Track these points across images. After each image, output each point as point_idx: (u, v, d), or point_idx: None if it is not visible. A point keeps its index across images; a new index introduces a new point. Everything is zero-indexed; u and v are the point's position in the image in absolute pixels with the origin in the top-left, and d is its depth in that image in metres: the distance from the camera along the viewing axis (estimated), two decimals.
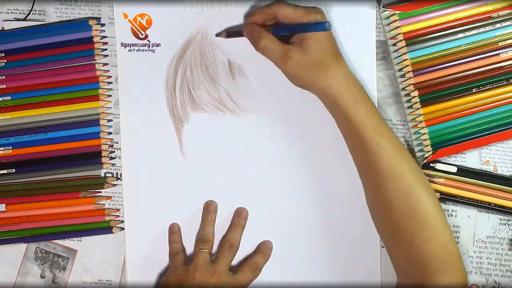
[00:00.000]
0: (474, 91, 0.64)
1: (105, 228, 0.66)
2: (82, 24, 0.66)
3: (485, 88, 0.64)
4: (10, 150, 0.66)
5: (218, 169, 0.66)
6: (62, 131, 0.66)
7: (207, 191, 0.67)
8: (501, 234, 0.66)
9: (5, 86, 0.66)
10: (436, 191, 0.65)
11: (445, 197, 0.65)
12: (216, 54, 0.66)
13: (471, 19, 0.64)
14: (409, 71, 0.65)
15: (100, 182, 0.66)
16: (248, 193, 0.66)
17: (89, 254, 0.67)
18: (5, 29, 0.66)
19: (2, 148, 0.66)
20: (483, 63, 0.64)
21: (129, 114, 0.66)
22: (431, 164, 0.65)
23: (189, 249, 0.66)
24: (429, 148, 0.65)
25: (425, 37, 0.65)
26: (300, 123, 0.66)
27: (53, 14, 0.67)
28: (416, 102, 0.65)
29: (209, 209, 0.66)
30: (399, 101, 0.66)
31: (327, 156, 0.66)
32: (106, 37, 0.67)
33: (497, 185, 0.65)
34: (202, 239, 0.65)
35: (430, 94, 0.65)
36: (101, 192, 0.67)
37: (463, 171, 0.65)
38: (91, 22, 0.66)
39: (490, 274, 0.66)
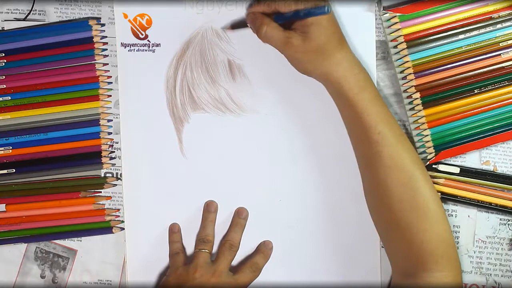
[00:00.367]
0: (476, 92, 0.64)
1: (105, 228, 0.66)
2: (82, 24, 0.66)
3: (487, 88, 0.64)
4: (10, 150, 0.66)
5: (218, 169, 0.66)
6: (62, 131, 0.66)
7: (207, 191, 0.67)
8: (501, 234, 0.66)
9: (5, 86, 0.66)
10: (437, 191, 0.64)
11: (445, 197, 0.65)
12: (216, 54, 0.66)
13: (472, 20, 0.64)
14: (410, 73, 0.65)
15: (100, 182, 0.66)
16: (248, 193, 0.66)
17: (89, 254, 0.67)
18: (5, 29, 0.66)
19: (2, 148, 0.66)
20: (485, 64, 0.64)
21: (129, 114, 0.66)
22: (433, 166, 0.65)
23: (189, 249, 0.66)
24: (431, 149, 0.65)
25: (426, 39, 0.64)
26: (300, 123, 0.66)
27: (53, 14, 0.67)
28: (418, 104, 0.65)
29: (209, 209, 0.66)
30: (399, 101, 0.66)
31: (327, 156, 0.66)
32: (106, 37, 0.67)
33: (499, 184, 0.65)
34: (202, 239, 0.65)
35: (432, 96, 0.65)
36: (101, 192, 0.67)
37: (466, 171, 0.65)
38: (91, 22, 0.66)
39: (490, 274, 0.66)
